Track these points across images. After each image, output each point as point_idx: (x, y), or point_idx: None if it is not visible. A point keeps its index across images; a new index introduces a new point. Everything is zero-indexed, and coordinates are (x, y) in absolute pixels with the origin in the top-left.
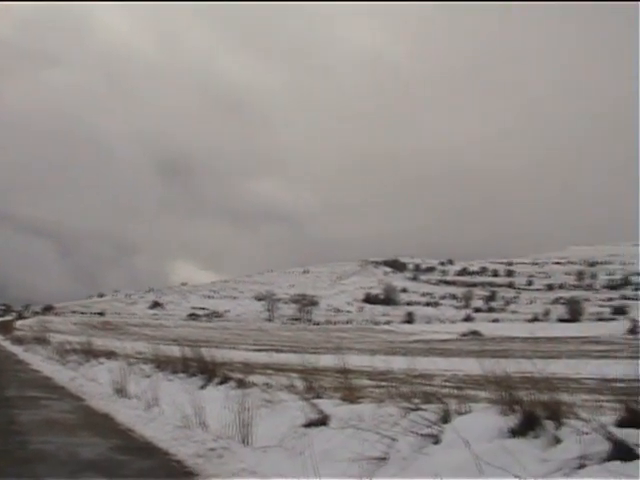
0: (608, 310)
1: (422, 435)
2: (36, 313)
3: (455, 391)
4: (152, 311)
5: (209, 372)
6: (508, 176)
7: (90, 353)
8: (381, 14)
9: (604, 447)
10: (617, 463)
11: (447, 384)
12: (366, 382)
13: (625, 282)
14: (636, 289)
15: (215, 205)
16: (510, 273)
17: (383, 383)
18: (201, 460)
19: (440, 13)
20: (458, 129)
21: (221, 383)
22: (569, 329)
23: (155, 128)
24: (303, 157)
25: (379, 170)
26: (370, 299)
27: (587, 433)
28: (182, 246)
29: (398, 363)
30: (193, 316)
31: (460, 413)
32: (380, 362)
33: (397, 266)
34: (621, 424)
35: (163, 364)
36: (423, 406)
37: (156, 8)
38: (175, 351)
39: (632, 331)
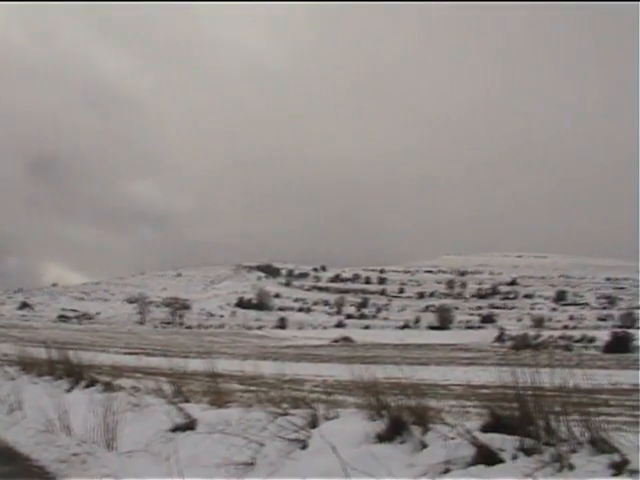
0: (477, 318)
1: (290, 440)
2: None
3: (324, 396)
4: (20, 312)
5: (76, 375)
6: (383, 186)
7: None
8: (267, 16)
9: (469, 452)
10: (481, 467)
11: (317, 389)
12: (236, 386)
13: (493, 291)
14: (504, 298)
15: (88, 205)
16: (382, 281)
17: (253, 388)
18: (63, 465)
19: (327, 15)
20: (344, 135)
21: (88, 386)
22: (439, 336)
23: (27, 127)
24: (181, 159)
25: (258, 174)
26: (243, 304)
27: (453, 438)
28: (53, 247)
29: (269, 368)
30: (63, 318)
31: (328, 418)
32: (251, 367)
33: (270, 271)
34: (486, 429)
35: (29, 366)
36: (292, 411)
37: (28, 5)
38: (43, 353)
39: (499, 339)
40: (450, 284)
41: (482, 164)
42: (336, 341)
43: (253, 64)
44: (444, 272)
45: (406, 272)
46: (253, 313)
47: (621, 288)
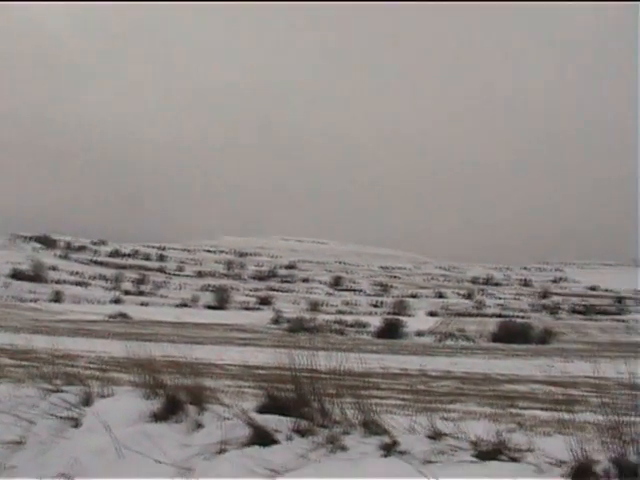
0: (254, 300)
1: (62, 418)
2: None
3: (99, 373)
4: None
5: None
6: (167, 166)
7: None
8: None
9: (245, 432)
10: (257, 448)
11: (91, 366)
12: (6, 361)
13: (272, 274)
14: (282, 281)
15: None
16: (162, 258)
17: (24, 363)
18: None
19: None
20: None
21: None
22: (216, 316)
23: None
24: None
25: (39, 142)
26: (17, 275)
27: (229, 418)
28: None
29: (42, 342)
30: None
31: (103, 396)
32: (23, 340)
33: (47, 242)
34: (262, 410)
35: None
36: (65, 388)
37: None
38: None
39: (276, 321)
40: (229, 264)
41: (251, 148)
42: (112, 317)
43: (32, 31)
44: (224, 252)
45: (186, 250)
46: (28, 285)
47: (395, 277)
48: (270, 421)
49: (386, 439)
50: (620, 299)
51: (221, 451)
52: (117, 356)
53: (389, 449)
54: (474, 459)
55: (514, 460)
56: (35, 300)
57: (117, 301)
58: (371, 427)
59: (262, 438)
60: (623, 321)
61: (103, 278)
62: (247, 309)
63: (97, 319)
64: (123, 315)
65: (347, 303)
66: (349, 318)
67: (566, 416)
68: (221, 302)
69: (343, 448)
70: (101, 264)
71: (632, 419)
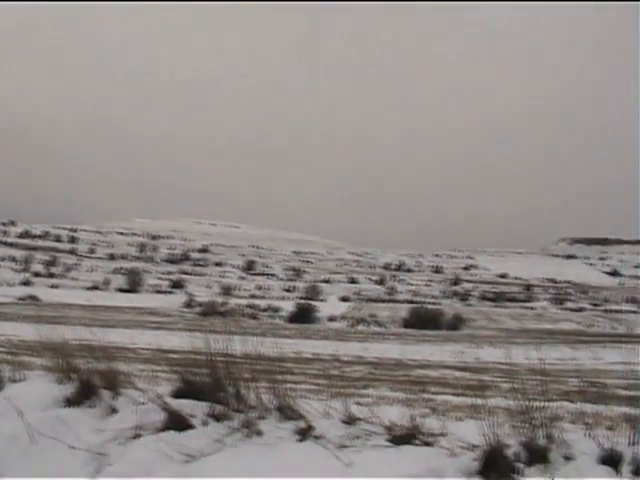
0: (167, 283)
1: None
2: None
3: (10, 357)
4: None
5: None
6: (76, 145)
7: None
8: None
9: (160, 417)
10: (172, 433)
11: (1, 349)
12: None
13: (184, 257)
14: (194, 265)
15: None
16: (73, 240)
17: None
18: None
19: None
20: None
21: None
22: (128, 299)
23: None
24: None
25: None
26: None
27: (143, 403)
28: None
29: None
30: None
31: (14, 380)
32: None
33: None
34: (177, 395)
35: None
36: None
37: None
38: None
39: (188, 305)
40: (142, 247)
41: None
42: (22, 299)
43: None
44: (136, 235)
45: (98, 233)
46: None
47: (308, 262)
48: (185, 406)
49: (301, 424)
50: (529, 286)
51: (136, 436)
52: (28, 339)
53: (304, 434)
54: (388, 444)
55: (427, 444)
56: None
57: (27, 283)
58: (286, 412)
59: (177, 423)
60: (532, 308)
61: (12, 260)
62: (159, 292)
63: (6, 301)
64: (33, 297)
65: (260, 287)
66: (262, 302)
67: (478, 401)
68: (133, 285)
69: (259, 433)
70: (10, 245)
71: (541, 404)
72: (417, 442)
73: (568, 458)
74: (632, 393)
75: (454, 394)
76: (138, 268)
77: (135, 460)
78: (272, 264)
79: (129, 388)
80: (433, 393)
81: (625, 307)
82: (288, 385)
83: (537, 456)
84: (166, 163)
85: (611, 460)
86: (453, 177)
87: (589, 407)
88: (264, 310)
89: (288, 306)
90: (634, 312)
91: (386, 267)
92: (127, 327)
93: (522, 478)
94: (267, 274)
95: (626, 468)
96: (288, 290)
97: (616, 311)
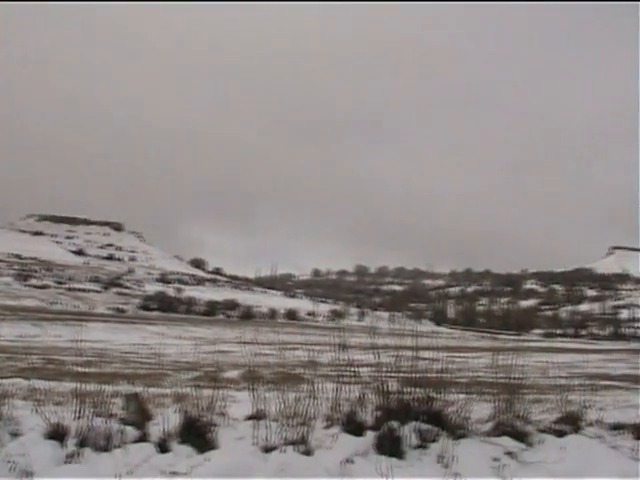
0: None
1: None
2: None
3: None
4: None
5: None
6: None
7: None
8: None
9: None
10: None
11: None
12: None
13: None
14: None
15: None
16: None
17: None
18: None
19: None
20: None
21: None
22: None
23: None
24: None
25: None
26: None
27: None
28: None
29: None
30: None
31: None
32: None
33: None
34: None
35: None
36: None
37: None
38: None
39: None
40: None
41: None
42: None
43: None
44: None
45: None
46: None
47: None
48: None
49: None
50: None
51: None
52: None
53: None
54: None
55: None
56: None
57: None
58: None
59: None
60: None
61: None
62: None
63: None
64: None
65: None
66: None
67: None
68: None
69: None
70: None
71: None
72: None
73: (16, 434)
74: (91, 370)
75: None
76: None
77: None
78: None
79: None
80: None
81: (88, 286)
82: None
83: None
84: None
85: (57, 434)
86: None
87: (43, 383)
88: None
89: None
90: (97, 291)
91: None
92: None
93: None
94: None
95: (71, 441)
96: None
97: (79, 289)
